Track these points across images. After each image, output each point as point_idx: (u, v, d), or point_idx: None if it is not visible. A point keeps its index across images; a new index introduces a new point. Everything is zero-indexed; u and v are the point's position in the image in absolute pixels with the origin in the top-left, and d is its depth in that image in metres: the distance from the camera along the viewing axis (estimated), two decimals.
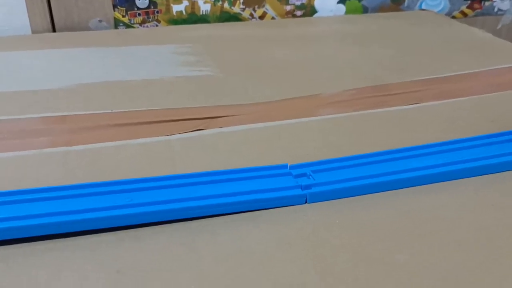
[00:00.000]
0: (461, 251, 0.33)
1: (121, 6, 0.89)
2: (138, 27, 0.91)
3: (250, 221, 0.35)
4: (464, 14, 1.03)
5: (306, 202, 0.37)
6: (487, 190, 0.39)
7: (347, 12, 0.97)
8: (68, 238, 0.34)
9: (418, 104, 0.55)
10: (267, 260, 0.32)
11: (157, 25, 0.91)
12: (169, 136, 0.48)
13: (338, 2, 0.97)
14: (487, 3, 1.03)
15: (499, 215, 0.36)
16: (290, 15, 0.96)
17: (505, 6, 1.04)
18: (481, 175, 0.41)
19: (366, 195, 0.38)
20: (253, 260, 0.32)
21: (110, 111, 0.55)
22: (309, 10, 0.96)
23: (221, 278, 0.31)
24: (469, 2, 1.02)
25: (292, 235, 0.34)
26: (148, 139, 0.48)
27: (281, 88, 0.61)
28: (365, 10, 0.98)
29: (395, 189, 0.39)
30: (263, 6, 0.94)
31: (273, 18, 0.95)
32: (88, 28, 0.88)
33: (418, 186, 0.40)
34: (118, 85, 0.63)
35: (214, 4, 0.92)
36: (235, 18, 0.94)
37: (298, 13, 0.96)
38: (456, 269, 0.31)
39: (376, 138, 0.48)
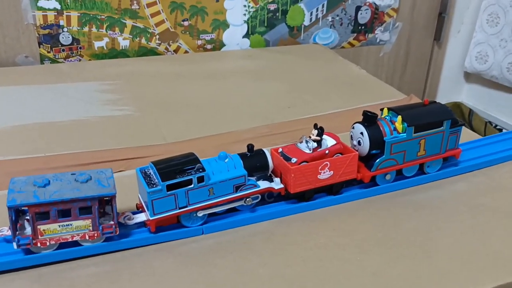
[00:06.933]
0: None
1: (46, 43, 0.97)
2: (63, 62, 1.00)
3: None
4: (352, 45, 1.21)
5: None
6: None
7: (251, 46, 1.12)
8: None
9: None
10: None
11: (80, 60, 1.01)
12: None
13: (244, 37, 1.11)
14: (370, 35, 1.21)
15: None
16: (202, 49, 1.08)
17: (385, 37, 1.23)
18: None
19: None
20: None
21: (43, 154, 0.66)
22: (218, 44, 1.09)
23: None
24: (355, 34, 1.20)
25: None
26: None
27: (191, 127, 0.74)
28: (267, 43, 1.13)
29: None
30: (177, 41, 1.06)
31: (186, 51, 1.08)
32: (15, 64, 0.96)
33: None
34: (49, 127, 0.73)
35: (132, 40, 1.03)
36: (152, 52, 1.05)
37: (209, 46, 1.09)
38: None
39: None
